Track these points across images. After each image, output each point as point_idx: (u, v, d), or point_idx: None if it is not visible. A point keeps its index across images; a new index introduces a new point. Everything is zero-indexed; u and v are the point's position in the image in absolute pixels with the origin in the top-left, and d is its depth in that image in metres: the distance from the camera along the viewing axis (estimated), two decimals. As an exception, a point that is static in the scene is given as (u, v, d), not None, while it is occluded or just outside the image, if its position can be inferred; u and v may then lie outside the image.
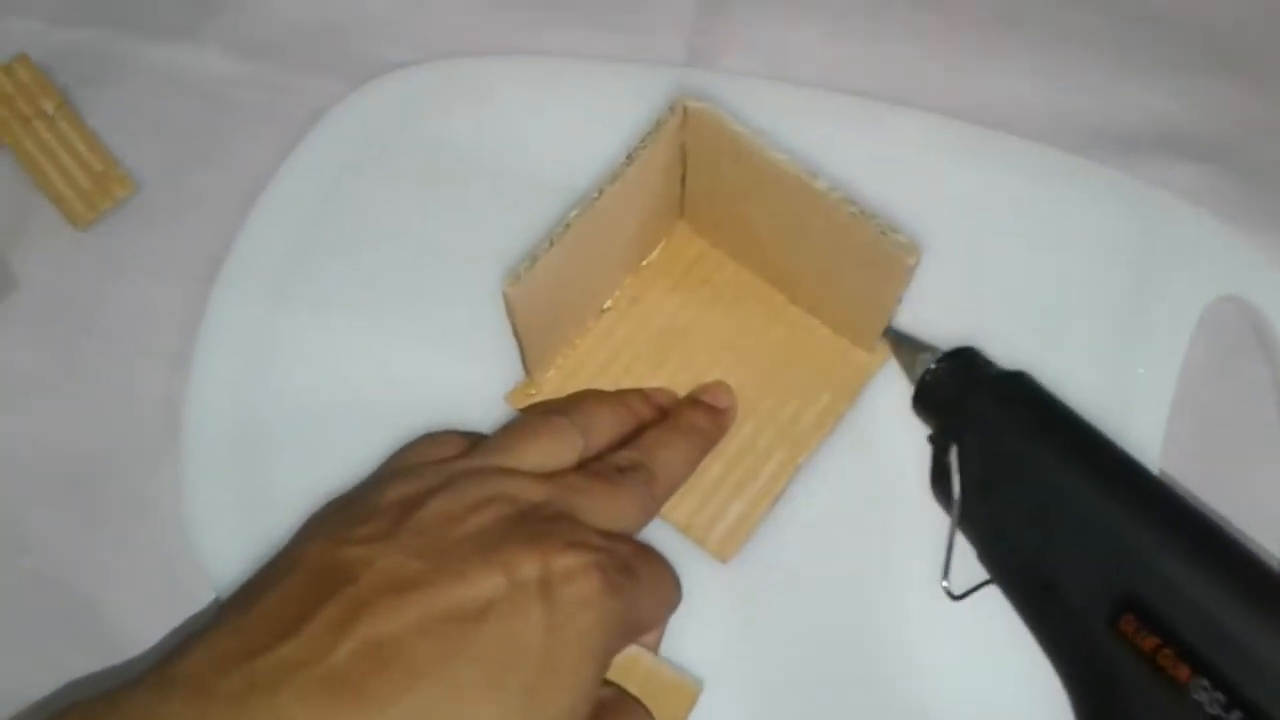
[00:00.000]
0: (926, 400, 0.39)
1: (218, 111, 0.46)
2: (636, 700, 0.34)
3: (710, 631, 0.38)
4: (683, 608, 0.37)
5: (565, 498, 0.33)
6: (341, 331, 0.42)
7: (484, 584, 0.30)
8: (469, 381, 0.41)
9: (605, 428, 0.37)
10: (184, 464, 0.41)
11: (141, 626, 0.40)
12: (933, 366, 0.38)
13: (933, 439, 0.38)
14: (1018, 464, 0.35)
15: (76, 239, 0.44)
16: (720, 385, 0.40)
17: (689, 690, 0.35)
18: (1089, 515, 0.33)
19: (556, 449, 0.35)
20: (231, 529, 0.40)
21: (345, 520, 0.33)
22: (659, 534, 0.39)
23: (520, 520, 0.32)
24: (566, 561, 0.31)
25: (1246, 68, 0.47)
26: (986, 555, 0.35)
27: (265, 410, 0.41)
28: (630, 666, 0.34)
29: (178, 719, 0.27)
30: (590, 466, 0.36)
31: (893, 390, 0.40)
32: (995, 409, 0.36)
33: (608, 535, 0.33)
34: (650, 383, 0.40)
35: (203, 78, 0.47)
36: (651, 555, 0.35)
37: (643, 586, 0.33)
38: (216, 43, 0.47)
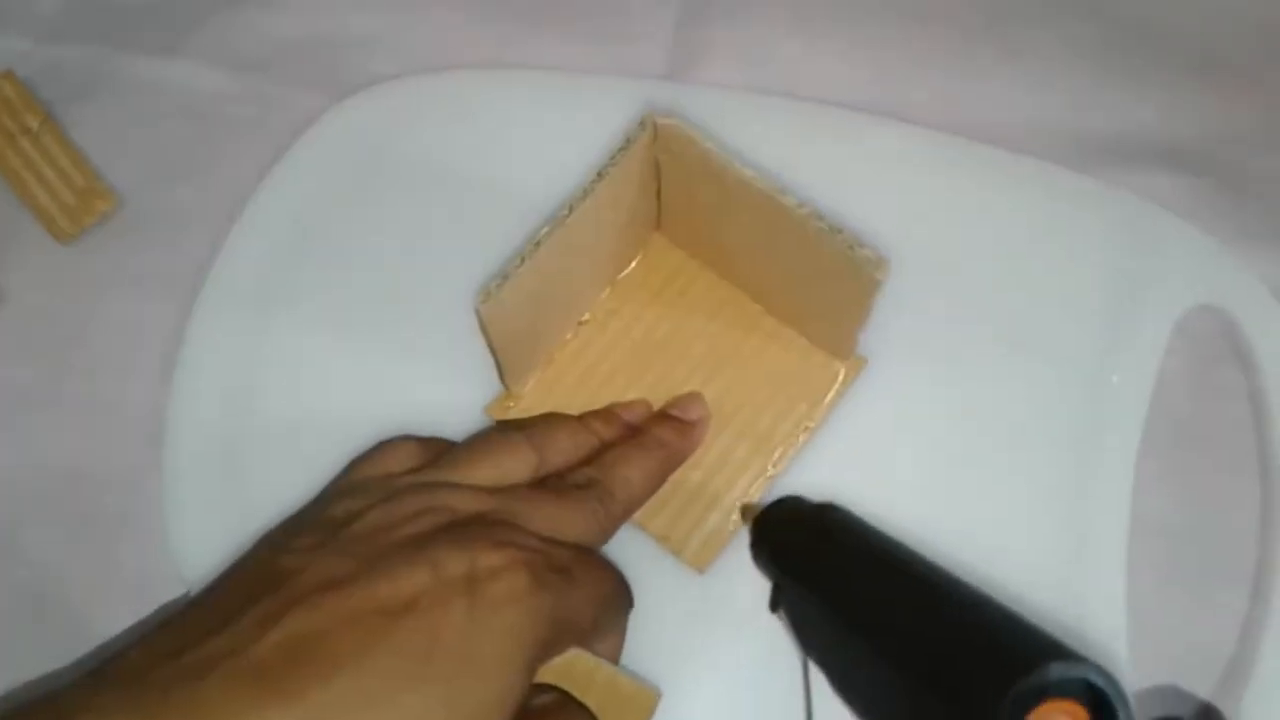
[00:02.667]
0: (758, 566, 0.39)
1: (201, 126, 0.47)
2: (580, 705, 0.34)
3: (687, 642, 0.39)
4: (659, 618, 0.38)
5: (508, 507, 0.34)
6: (324, 345, 0.43)
7: (409, 581, 0.30)
8: (449, 394, 0.41)
9: (562, 447, 0.37)
10: (167, 477, 0.42)
11: (125, 637, 0.41)
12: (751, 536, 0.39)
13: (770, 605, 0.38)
14: (816, 615, 0.35)
15: (60, 254, 0.45)
16: (692, 397, 0.40)
17: (647, 698, 0.35)
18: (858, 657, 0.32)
19: (509, 465, 0.36)
20: (214, 541, 0.40)
21: (289, 533, 0.34)
22: (636, 544, 0.39)
23: (456, 526, 0.33)
24: (493, 559, 0.31)
25: (1228, 78, 0.47)
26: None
27: (248, 423, 0.42)
28: (589, 676, 0.34)
29: (105, 709, 0.28)
30: (543, 482, 0.36)
31: (868, 400, 0.41)
32: (797, 561, 0.36)
33: (547, 540, 0.34)
34: (628, 394, 0.41)
35: (186, 93, 0.47)
36: (593, 559, 0.35)
37: (577, 586, 0.33)
38: (200, 58, 0.47)
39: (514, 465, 0.36)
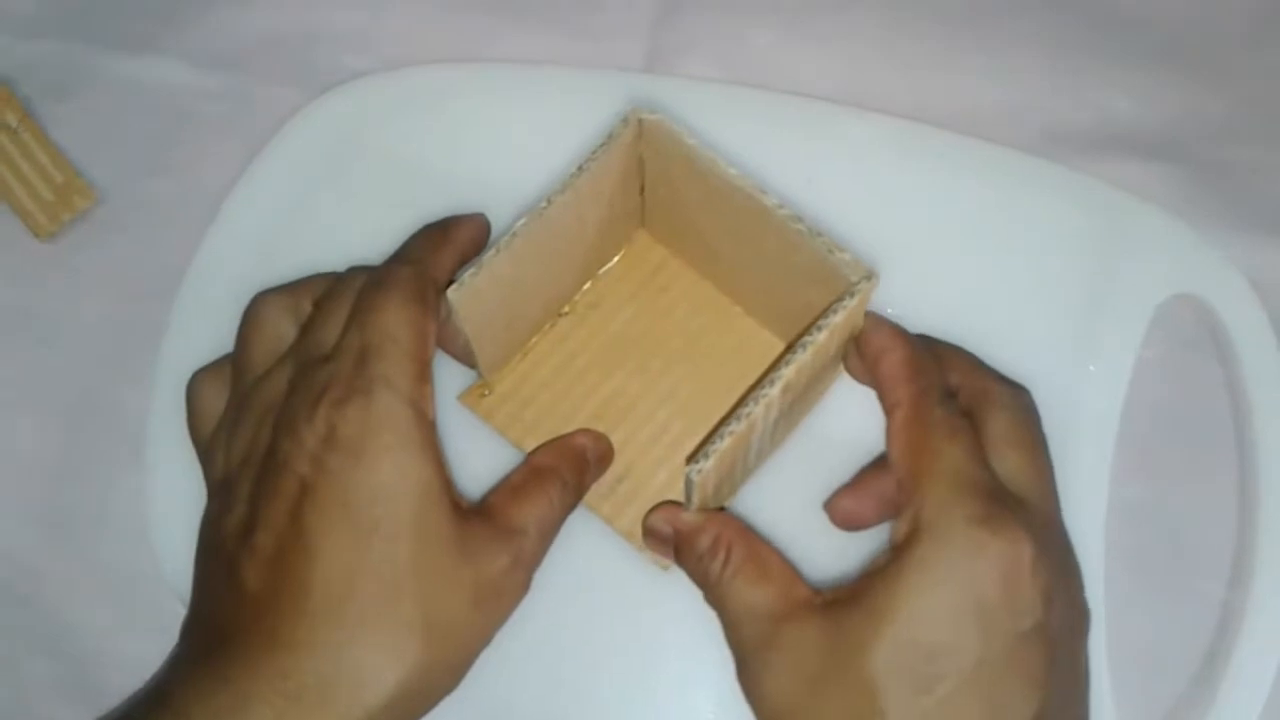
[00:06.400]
0: None
1: (180, 122, 0.47)
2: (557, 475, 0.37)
3: (651, 636, 0.39)
4: (623, 614, 0.39)
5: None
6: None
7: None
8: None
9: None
10: (147, 475, 0.42)
11: (105, 638, 0.41)
12: None
13: None
14: None
15: (39, 250, 0.45)
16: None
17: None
18: None
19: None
20: (194, 541, 0.40)
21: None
22: (602, 540, 0.39)
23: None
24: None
25: (1203, 68, 0.47)
26: None
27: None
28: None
29: None
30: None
31: (845, 405, 0.40)
32: None
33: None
34: (602, 388, 0.41)
35: (165, 89, 0.47)
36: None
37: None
38: (178, 54, 0.47)
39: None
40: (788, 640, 0.33)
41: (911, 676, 0.31)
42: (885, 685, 0.31)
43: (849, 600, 0.32)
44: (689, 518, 0.36)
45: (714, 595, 0.35)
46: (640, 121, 0.36)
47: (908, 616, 0.31)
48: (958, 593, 0.31)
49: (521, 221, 0.35)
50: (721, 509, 0.37)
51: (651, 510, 0.37)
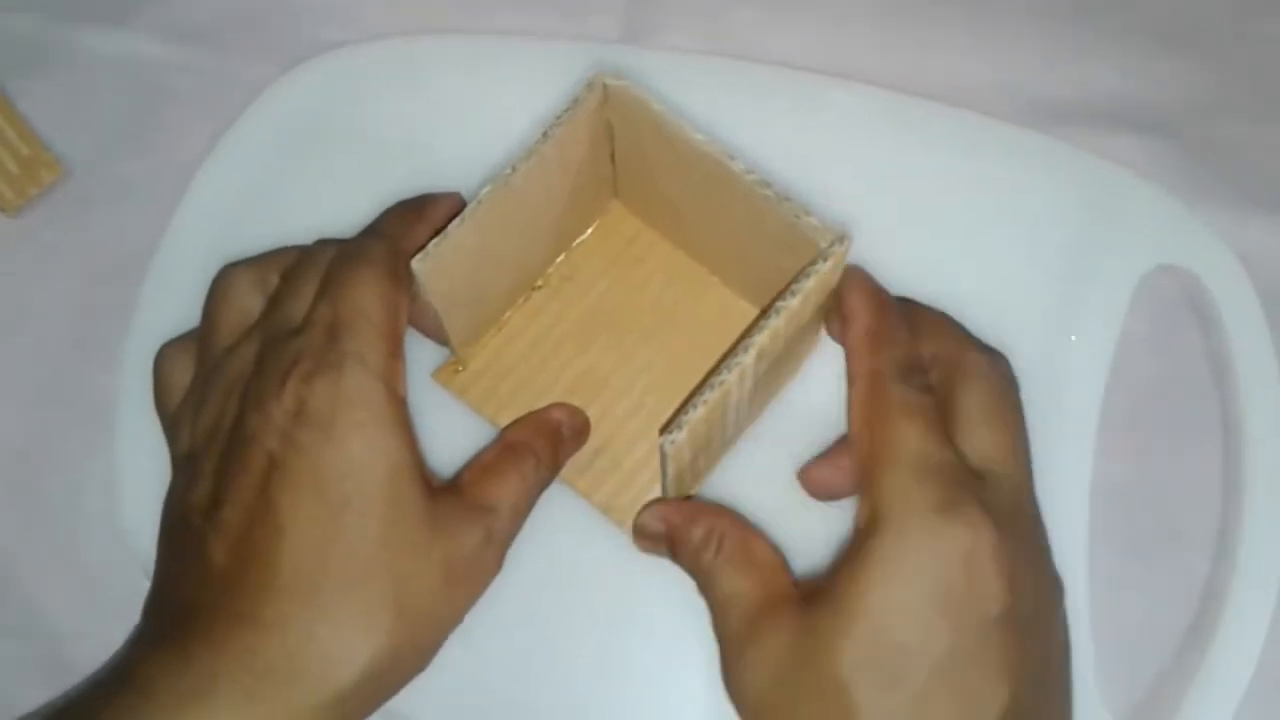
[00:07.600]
0: None
1: (149, 96, 0.46)
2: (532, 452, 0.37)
3: (628, 616, 0.38)
4: (600, 592, 0.38)
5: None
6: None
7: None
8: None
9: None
10: (117, 455, 0.41)
11: (75, 618, 0.41)
12: None
13: None
14: None
15: (5, 225, 0.44)
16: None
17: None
18: None
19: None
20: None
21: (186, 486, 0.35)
22: (579, 515, 0.39)
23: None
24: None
25: (1194, 43, 0.46)
26: None
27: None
28: None
29: None
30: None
31: (823, 376, 0.40)
32: None
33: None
34: (577, 361, 0.40)
35: (134, 62, 0.46)
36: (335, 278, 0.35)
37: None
38: (148, 27, 0.47)
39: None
40: (764, 637, 0.32)
41: (880, 674, 0.30)
42: (855, 684, 0.30)
43: (819, 595, 0.32)
44: (683, 511, 0.36)
45: (703, 583, 0.35)
46: (605, 87, 0.35)
47: (872, 614, 0.31)
48: (920, 586, 0.31)
49: (487, 189, 0.34)
50: (718, 505, 0.37)
51: (643, 509, 0.36)
